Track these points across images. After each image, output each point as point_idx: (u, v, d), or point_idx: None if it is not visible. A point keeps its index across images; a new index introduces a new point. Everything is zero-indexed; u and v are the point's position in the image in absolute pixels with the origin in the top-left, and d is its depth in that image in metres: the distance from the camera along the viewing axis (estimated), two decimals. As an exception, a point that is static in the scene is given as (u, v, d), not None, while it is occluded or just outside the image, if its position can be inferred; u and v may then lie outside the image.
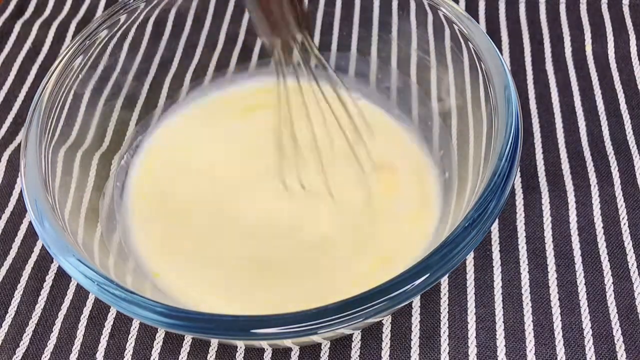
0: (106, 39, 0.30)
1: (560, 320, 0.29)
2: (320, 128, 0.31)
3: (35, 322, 0.30)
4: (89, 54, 0.30)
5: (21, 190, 0.25)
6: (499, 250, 0.31)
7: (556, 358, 0.28)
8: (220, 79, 0.36)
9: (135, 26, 0.32)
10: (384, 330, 0.29)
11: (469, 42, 0.28)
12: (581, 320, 0.29)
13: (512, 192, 0.33)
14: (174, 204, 0.32)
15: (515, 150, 0.24)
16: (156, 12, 0.32)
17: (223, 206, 0.31)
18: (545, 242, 0.31)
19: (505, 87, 0.25)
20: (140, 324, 0.30)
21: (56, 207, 0.25)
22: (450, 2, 0.29)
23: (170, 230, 0.31)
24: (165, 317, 0.21)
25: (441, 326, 0.29)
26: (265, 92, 0.36)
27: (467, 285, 0.30)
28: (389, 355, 0.29)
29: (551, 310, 0.29)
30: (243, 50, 0.36)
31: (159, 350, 0.29)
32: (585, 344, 0.29)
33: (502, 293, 0.30)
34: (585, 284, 0.30)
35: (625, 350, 0.28)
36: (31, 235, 0.33)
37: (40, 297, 0.31)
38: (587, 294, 0.30)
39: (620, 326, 0.29)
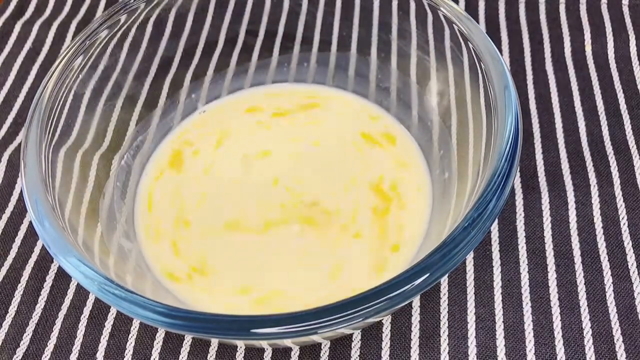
0: (106, 39, 0.30)
1: (560, 320, 0.29)
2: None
3: (36, 322, 0.30)
4: (89, 54, 0.30)
5: (21, 190, 0.25)
6: (499, 250, 0.31)
7: (556, 358, 0.28)
8: (220, 79, 0.36)
9: (135, 26, 0.32)
10: (384, 330, 0.29)
11: (469, 42, 0.28)
12: (581, 320, 0.29)
13: (512, 192, 0.33)
14: (184, 207, 0.32)
15: (515, 150, 0.24)
16: (156, 12, 0.32)
17: (229, 207, 0.32)
18: (545, 242, 0.31)
19: (505, 87, 0.26)
20: (140, 324, 0.30)
21: (56, 207, 0.25)
22: (450, 2, 0.29)
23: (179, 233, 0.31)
24: (165, 317, 0.21)
25: (441, 326, 0.29)
26: (266, 93, 0.37)
27: (467, 285, 0.30)
28: (389, 355, 0.29)
29: (551, 310, 0.30)
30: (243, 50, 0.36)
31: (159, 350, 0.29)
32: (585, 343, 0.29)
33: (501, 293, 0.30)
34: (585, 283, 0.30)
35: (625, 350, 0.28)
36: (31, 235, 0.33)
37: (40, 297, 0.31)
38: (586, 294, 0.30)
39: (620, 326, 0.29)
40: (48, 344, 0.30)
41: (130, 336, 0.30)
